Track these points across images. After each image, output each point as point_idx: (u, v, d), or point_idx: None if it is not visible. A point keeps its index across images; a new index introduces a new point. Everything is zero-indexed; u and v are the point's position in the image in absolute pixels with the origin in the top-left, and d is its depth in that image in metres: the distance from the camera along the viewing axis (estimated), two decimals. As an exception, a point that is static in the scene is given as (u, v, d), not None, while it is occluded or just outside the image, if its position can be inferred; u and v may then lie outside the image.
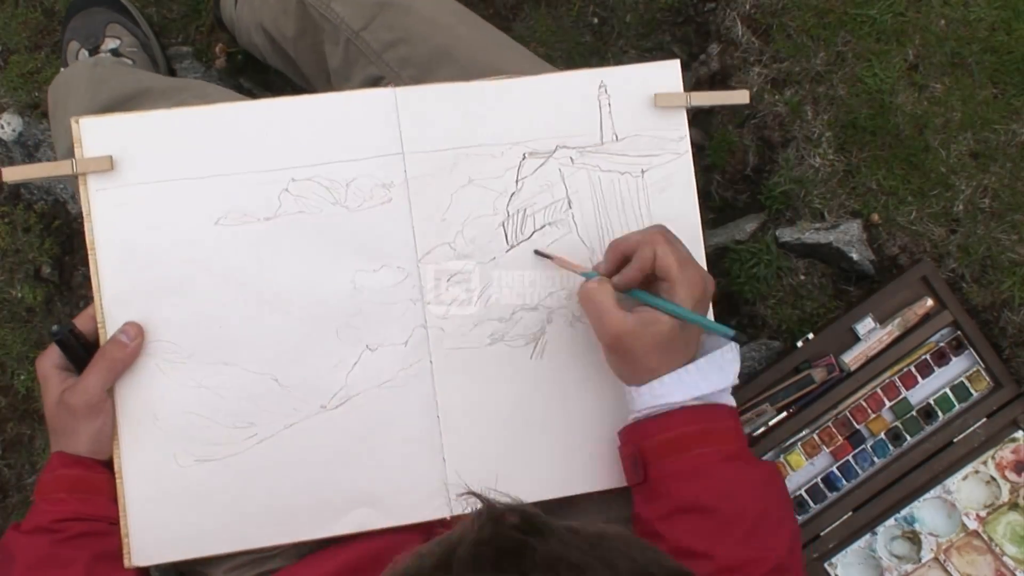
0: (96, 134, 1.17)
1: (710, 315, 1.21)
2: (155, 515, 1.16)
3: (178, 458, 1.17)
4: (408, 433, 1.21)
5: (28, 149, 1.88)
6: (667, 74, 1.28)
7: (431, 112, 1.23)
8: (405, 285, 1.21)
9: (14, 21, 1.92)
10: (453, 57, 1.37)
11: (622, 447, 1.19)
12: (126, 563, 1.16)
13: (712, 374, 1.13)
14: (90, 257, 1.16)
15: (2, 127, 1.87)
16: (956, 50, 1.74)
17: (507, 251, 1.24)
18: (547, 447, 1.24)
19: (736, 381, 1.16)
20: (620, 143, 1.26)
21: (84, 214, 1.16)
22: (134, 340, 1.15)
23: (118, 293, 1.16)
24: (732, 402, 1.17)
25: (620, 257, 1.16)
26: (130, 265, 1.16)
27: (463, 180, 1.23)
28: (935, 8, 1.75)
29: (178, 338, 1.17)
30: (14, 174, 1.17)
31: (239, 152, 1.19)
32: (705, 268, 1.20)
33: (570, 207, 1.26)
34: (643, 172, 1.26)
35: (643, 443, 1.14)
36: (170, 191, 1.18)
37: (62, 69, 1.79)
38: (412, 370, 1.21)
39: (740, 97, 1.29)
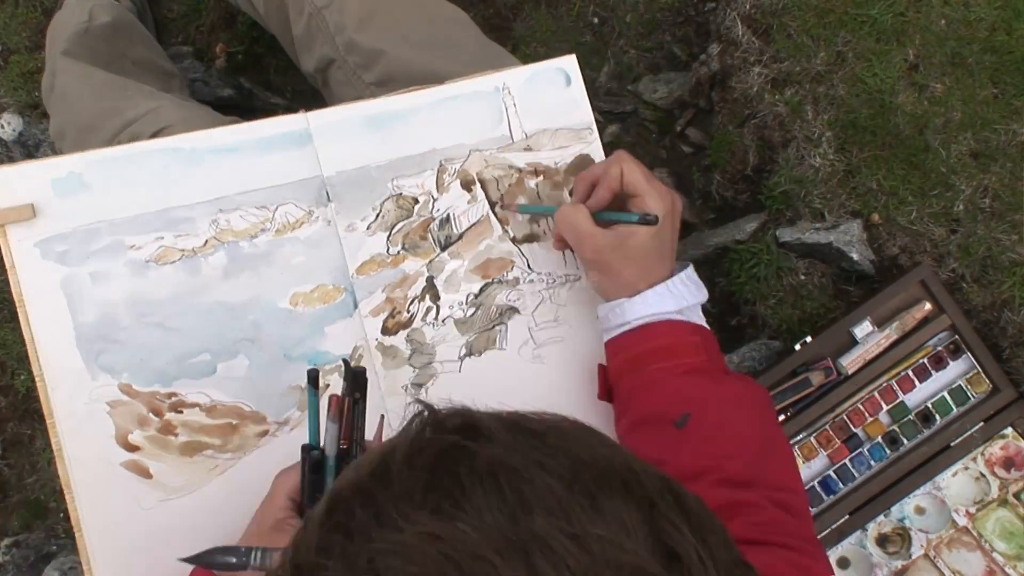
0: (10, 182, 1.14)
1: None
2: (122, 563, 1.14)
3: (141, 502, 1.15)
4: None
5: (28, 149, 1.88)
6: (566, 69, 1.31)
7: (344, 131, 1.24)
8: (341, 301, 1.22)
9: (14, 21, 1.92)
10: (388, 56, 1.39)
11: (599, 372, 1.21)
12: None
13: (694, 287, 1.15)
14: (19, 312, 1.12)
15: (2, 127, 1.87)
16: (956, 50, 1.74)
17: (437, 255, 1.26)
18: None
19: (706, 296, 1.18)
20: (530, 139, 1.29)
21: (7, 266, 1.12)
22: None
23: (55, 345, 1.13)
24: (702, 320, 1.18)
25: (588, 186, 1.18)
26: (63, 314, 1.14)
27: (385, 192, 1.25)
28: (935, 8, 1.74)
29: (123, 379, 1.15)
30: None
31: (163, 189, 1.18)
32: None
33: (490, 206, 1.28)
34: (556, 164, 1.29)
35: (611, 362, 1.17)
36: (97, 234, 1.15)
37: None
38: None
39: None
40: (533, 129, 1.29)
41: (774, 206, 1.81)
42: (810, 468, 1.65)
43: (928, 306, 1.63)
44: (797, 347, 1.65)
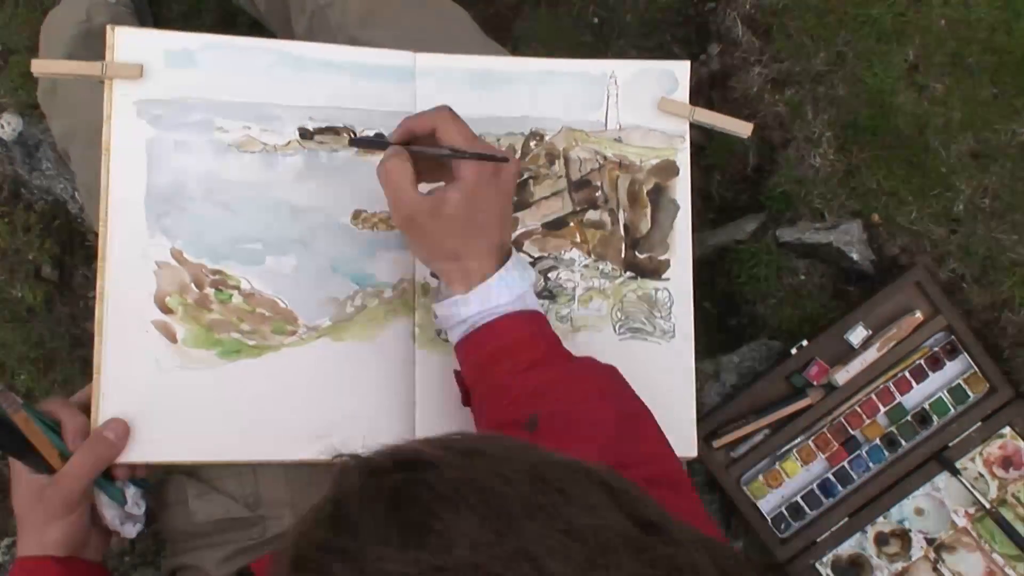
0: (128, 43, 1.20)
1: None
2: (128, 415, 1.17)
3: (161, 363, 1.18)
4: (385, 375, 1.25)
5: (28, 149, 1.88)
6: (676, 73, 1.34)
7: (446, 79, 1.29)
8: (399, 235, 1.25)
9: (14, 21, 1.92)
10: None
11: (456, 372, 1.17)
12: None
13: (522, 271, 1.10)
14: (103, 158, 1.18)
15: (2, 127, 1.87)
16: (956, 50, 1.73)
17: None
18: None
19: (534, 277, 1.12)
20: (623, 132, 1.32)
21: (104, 116, 1.19)
22: (120, 439, 1.14)
23: (125, 196, 1.19)
24: (535, 303, 1.13)
25: (408, 133, 1.11)
26: (141, 170, 1.20)
27: None
28: (935, 8, 1.74)
29: (177, 244, 1.21)
30: (42, 67, 1.20)
31: (263, 84, 1.24)
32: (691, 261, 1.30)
33: (569, 184, 1.30)
34: (640, 163, 1.31)
35: (462, 368, 1.13)
36: (191, 108, 1.22)
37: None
38: (397, 316, 1.26)
39: (742, 128, 1.31)
40: (628, 123, 1.31)
41: (774, 206, 1.80)
42: (809, 471, 1.65)
43: (919, 314, 1.63)
44: (793, 351, 1.65)
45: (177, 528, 1.30)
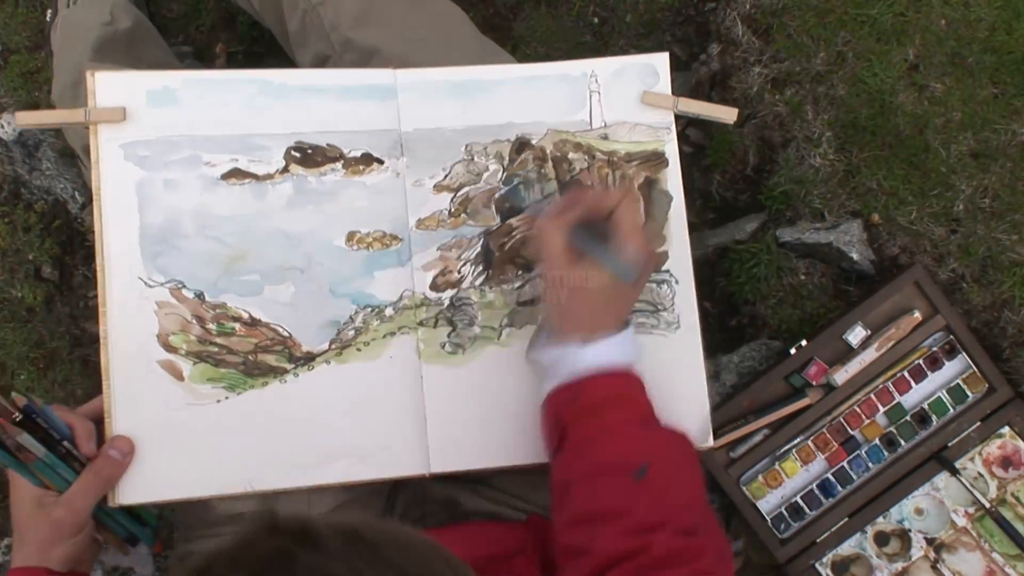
0: (110, 87, 1.22)
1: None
2: (142, 456, 1.18)
3: (169, 401, 1.20)
4: (393, 392, 1.26)
5: (28, 149, 1.88)
6: (656, 66, 1.34)
7: (428, 92, 1.30)
8: (396, 249, 1.27)
9: (14, 21, 1.92)
10: (383, 54, 1.39)
11: (545, 415, 1.18)
12: (111, 502, 1.17)
13: (637, 346, 1.16)
14: (95, 203, 1.20)
15: (2, 127, 1.87)
16: (956, 50, 1.73)
17: (497, 225, 1.30)
18: (520, 416, 1.27)
19: (641, 358, 1.16)
20: (609, 129, 1.32)
21: (92, 161, 1.20)
22: (127, 456, 1.16)
23: (120, 240, 1.20)
24: (639, 374, 1.16)
25: (576, 201, 1.16)
26: (133, 213, 1.21)
27: (457, 155, 1.29)
28: (935, 8, 1.74)
29: (175, 283, 1.21)
30: (28, 118, 1.22)
31: (247, 115, 1.25)
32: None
33: (559, 185, 1.31)
34: (629, 155, 1.32)
35: (564, 409, 1.14)
36: (177, 146, 1.23)
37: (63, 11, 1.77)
38: (399, 332, 1.26)
39: (727, 114, 1.32)
40: (613, 119, 1.33)
41: (774, 206, 1.80)
42: (808, 471, 1.65)
43: (917, 314, 1.63)
44: (792, 351, 1.65)
45: (193, 516, 1.32)
